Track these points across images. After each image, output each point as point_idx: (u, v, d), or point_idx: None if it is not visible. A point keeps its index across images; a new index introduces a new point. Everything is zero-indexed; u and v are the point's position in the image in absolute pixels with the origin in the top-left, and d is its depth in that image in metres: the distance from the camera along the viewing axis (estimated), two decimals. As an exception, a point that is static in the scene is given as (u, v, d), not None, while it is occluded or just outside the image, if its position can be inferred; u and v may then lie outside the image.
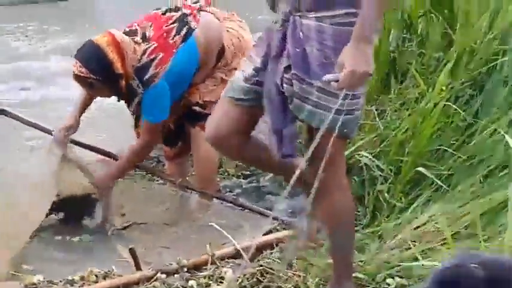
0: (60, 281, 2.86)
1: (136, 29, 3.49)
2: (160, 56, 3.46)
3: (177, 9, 3.58)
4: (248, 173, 4.06)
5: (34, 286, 2.83)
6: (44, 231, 3.42)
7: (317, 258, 3.07)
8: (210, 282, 2.85)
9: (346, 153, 3.48)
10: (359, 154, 3.57)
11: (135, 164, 3.67)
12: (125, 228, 3.49)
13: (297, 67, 2.51)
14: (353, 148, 3.56)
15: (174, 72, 3.47)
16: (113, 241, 3.40)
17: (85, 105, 3.65)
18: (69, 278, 2.88)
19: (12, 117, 3.83)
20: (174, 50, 3.48)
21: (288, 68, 2.54)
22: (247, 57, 2.79)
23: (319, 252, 3.12)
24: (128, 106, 3.59)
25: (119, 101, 3.60)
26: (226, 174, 4.05)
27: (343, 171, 2.72)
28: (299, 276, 2.96)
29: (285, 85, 2.55)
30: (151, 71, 3.45)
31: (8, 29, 8.58)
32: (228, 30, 3.61)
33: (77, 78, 3.41)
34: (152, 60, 3.46)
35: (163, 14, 3.56)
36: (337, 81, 2.39)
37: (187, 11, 3.56)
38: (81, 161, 3.58)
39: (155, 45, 3.47)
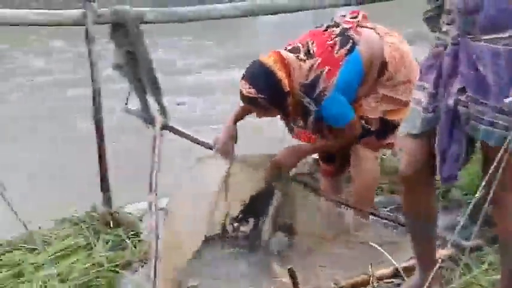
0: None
1: (299, 47, 3.43)
2: (327, 69, 3.38)
3: (337, 24, 3.50)
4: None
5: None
6: (206, 247, 3.40)
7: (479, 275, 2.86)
8: (370, 304, 2.71)
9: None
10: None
11: (321, 150, 3.61)
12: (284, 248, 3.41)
13: (472, 89, 2.52)
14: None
15: (341, 85, 3.38)
16: (269, 257, 3.33)
17: (242, 115, 3.63)
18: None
19: (175, 133, 3.89)
20: (340, 63, 3.39)
21: (462, 90, 2.53)
22: (416, 87, 2.75)
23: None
24: (302, 123, 3.51)
25: (284, 119, 3.55)
26: (379, 189, 3.89)
27: None
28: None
29: (460, 107, 2.55)
30: (320, 87, 3.38)
31: (163, 43, 8.86)
32: (389, 46, 3.47)
33: (245, 99, 3.37)
34: (319, 75, 3.38)
35: (325, 30, 3.49)
36: None
37: (348, 26, 3.48)
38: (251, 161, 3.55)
39: (320, 60, 3.39)
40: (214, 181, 3.41)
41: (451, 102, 2.54)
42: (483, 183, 2.43)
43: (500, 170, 2.36)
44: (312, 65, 3.38)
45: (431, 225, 2.76)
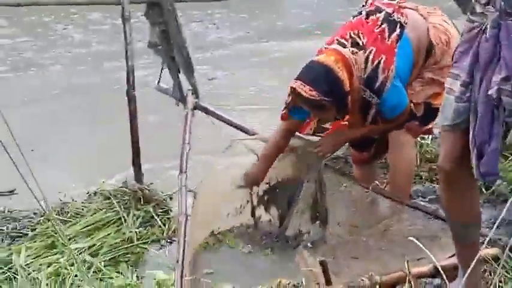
0: (248, 291, 2.66)
1: (344, 40, 3.14)
2: (384, 59, 3.09)
3: (378, 9, 3.19)
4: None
5: (223, 295, 2.66)
6: (230, 233, 3.23)
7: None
8: (406, 304, 2.50)
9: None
10: None
11: (363, 135, 3.32)
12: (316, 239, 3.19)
13: None
14: None
15: (399, 73, 3.12)
16: (300, 247, 3.10)
17: (277, 154, 3.29)
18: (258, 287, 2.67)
19: (207, 113, 3.69)
20: (395, 50, 3.11)
21: (506, 79, 2.21)
22: (450, 75, 2.44)
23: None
24: (361, 118, 3.22)
25: (339, 119, 3.26)
26: (418, 178, 3.64)
27: None
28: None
29: (504, 97, 2.22)
30: (380, 78, 3.10)
31: (196, 16, 8.65)
32: (434, 26, 3.19)
33: (306, 101, 3.05)
34: (377, 66, 3.10)
35: (366, 18, 3.19)
36: None
37: (390, 9, 3.18)
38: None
39: (374, 49, 3.10)
40: (244, 168, 3.19)
41: (492, 92, 2.23)
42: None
43: None
44: (368, 56, 3.10)
45: (474, 225, 2.49)
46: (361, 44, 3.12)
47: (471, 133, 2.36)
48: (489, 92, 2.25)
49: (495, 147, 2.30)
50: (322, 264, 2.67)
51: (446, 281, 2.60)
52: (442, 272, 2.62)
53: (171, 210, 3.90)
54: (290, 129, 3.29)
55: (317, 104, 3.05)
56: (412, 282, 2.56)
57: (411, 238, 2.74)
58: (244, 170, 3.22)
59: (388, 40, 3.12)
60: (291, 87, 3.10)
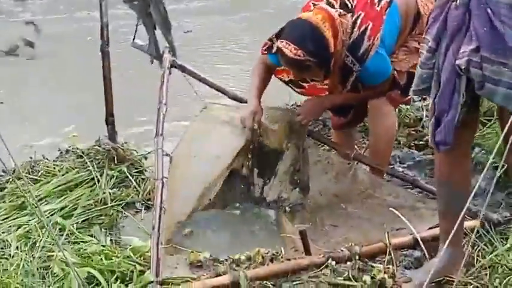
0: (226, 260, 2.59)
1: (332, 0, 3.02)
2: (371, 25, 2.98)
3: None
4: (422, 143, 3.54)
5: (200, 264, 2.57)
6: (213, 206, 3.10)
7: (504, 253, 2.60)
8: (385, 276, 2.45)
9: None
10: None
11: (345, 102, 3.24)
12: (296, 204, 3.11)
13: (488, 48, 2.13)
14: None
15: (385, 42, 3.01)
16: (279, 214, 3.02)
17: (264, 87, 3.22)
18: (236, 257, 2.58)
19: (183, 71, 3.54)
20: (383, 18, 2.99)
21: (475, 50, 2.15)
22: (423, 41, 2.37)
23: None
24: (340, 84, 3.12)
25: (318, 81, 3.15)
26: (397, 143, 3.56)
27: None
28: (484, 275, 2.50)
29: (472, 69, 2.16)
30: (365, 45, 2.98)
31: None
32: None
33: (291, 61, 2.94)
34: (363, 32, 2.98)
35: None
36: None
37: None
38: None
39: (363, 14, 2.98)
40: (221, 132, 3.08)
41: (461, 62, 2.17)
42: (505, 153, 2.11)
43: None
44: (355, 21, 2.98)
45: (463, 194, 2.43)
46: (350, 6, 3.01)
47: (431, 101, 2.31)
48: (457, 62, 2.19)
49: (452, 117, 2.26)
50: (301, 234, 2.62)
51: (426, 252, 2.58)
52: (421, 243, 2.61)
53: (146, 171, 3.79)
54: (267, 64, 3.21)
55: (302, 64, 2.94)
56: (392, 254, 2.52)
57: (391, 209, 2.72)
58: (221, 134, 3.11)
59: (377, 6, 3.01)
60: (276, 47, 2.99)
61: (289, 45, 2.91)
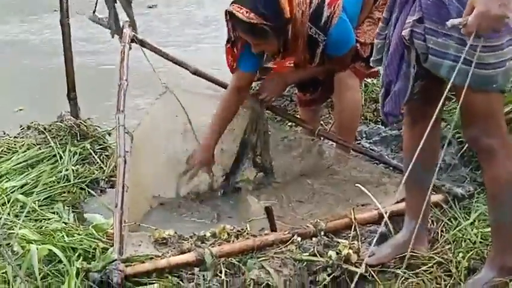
0: (191, 237, 2.54)
1: None
2: None
3: None
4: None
5: (164, 241, 2.51)
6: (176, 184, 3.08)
7: (468, 227, 2.60)
8: (350, 251, 2.43)
9: (508, 108, 2.92)
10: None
11: (307, 77, 3.17)
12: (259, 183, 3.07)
13: (431, 19, 2.09)
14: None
15: (346, 10, 2.95)
16: (246, 192, 3.00)
17: (225, 126, 3.11)
18: (201, 234, 2.53)
19: (144, 46, 3.44)
20: None
21: (419, 21, 2.11)
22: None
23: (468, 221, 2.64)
24: (309, 59, 3.04)
25: (279, 55, 3.05)
26: (363, 118, 3.54)
27: (503, 130, 2.20)
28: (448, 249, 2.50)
29: (416, 40, 2.13)
30: (326, 13, 2.92)
31: None
32: None
33: (245, 26, 2.84)
34: (323, 1, 2.92)
35: None
36: (465, 25, 1.96)
37: None
38: None
39: None
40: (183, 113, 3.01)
41: (405, 33, 2.13)
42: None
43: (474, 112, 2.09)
44: None
45: (431, 172, 2.40)
46: None
47: (383, 71, 2.28)
48: (402, 33, 2.16)
49: (399, 88, 2.23)
50: (267, 210, 2.58)
51: (391, 227, 2.56)
52: (386, 218, 2.58)
53: (110, 147, 3.71)
54: (240, 86, 3.08)
55: (256, 28, 2.85)
56: (357, 229, 2.50)
57: (357, 185, 2.68)
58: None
59: None
60: (227, 12, 2.89)
61: (241, 8, 2.83)
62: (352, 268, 2.36)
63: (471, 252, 2.45)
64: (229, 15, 2.90)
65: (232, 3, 2.90)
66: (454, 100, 3.48)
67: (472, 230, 2.52)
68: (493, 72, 2.09)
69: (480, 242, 2.50)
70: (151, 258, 2.40)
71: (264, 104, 3.12)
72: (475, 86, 2.06)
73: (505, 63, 2.10)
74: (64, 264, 2.39)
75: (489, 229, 2.41)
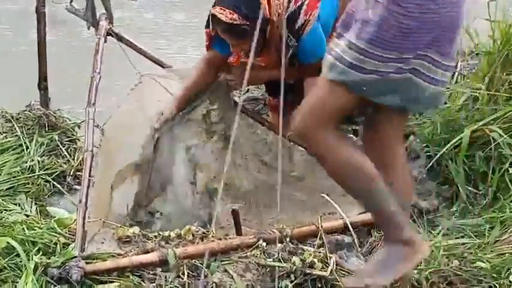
0: (156, 237, 2.49)
1: None
2: (307, 1, 2.90)
3: None
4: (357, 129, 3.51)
5: (128, 239, 2.45)
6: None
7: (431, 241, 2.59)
8: (315, 260, 2.41)
9: (475, 126, 2.95)
10: (488, 128, 2.98)
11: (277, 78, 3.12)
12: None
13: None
14: (484, 121, 2.98)
15: (321, 19, 2.93)
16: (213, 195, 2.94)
17: (194, 90, 3.06)
18: (166, 233, 2.49)
19: (120, 40, 3.37)
20: None
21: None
22: None
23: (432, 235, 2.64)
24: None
25: (257, 56, 2.99)
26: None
27: (326, 123, 2.13)
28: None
29: None
30: (301, 20, 2.90)
31: None
32: None
33: (225, 26, 2.82)
34: (300, 7, 2.90)
35: None
36: None
37: None
38: None
39: None
40: (156, 106, 2.94)
41: None
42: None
43: None
44: None
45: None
46: None
47: None
48: None
49: None
50: (234, 213, 2.55)
51: (355, 237, 2.55)
52: (351, 228, 2.58)
53: (78, 140, 3.63)
54: (211, 60, 3.09)
55: (238, 30, 2.83)
56: (323, 238, 2.48)
57: (323, 195, 2.67)
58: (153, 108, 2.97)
59: None
60: (211, 15, 2.88)
61: (224, 10, 2.82)
62: (317, 272, 2.33)
63: (431, 266, 2.44)
64: (212, 17, 2.88)
65: (214, 4, 2.87)
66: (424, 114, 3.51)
67: (435, 244, 2.51)
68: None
69: (442, 256, 2.49)
70: (114, 256, 2.35)
71: (230, 87, 3.10)
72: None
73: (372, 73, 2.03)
74: (22, 258, 2.32)
75: (452, 241, 2.42)
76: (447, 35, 2.03)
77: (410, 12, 1.96)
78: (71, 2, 3.46)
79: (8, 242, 2.35)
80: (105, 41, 3.19)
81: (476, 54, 3.79)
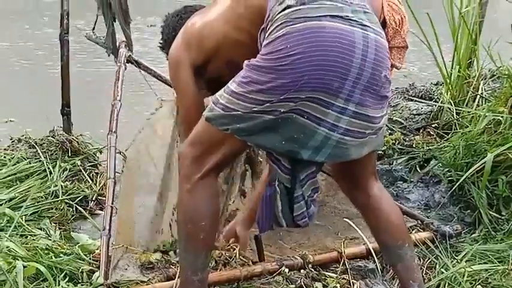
0: (178, 262, 2.50)
1: None
2: None
3: None
4: (380, 153, 3.52)
5: (151, 265, 2.48)
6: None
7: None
8: (338, 286, 2.41)
9: (498, 151, 2.94)
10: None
11: None
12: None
13: None
14: (507, 146, 2.97)
15: None
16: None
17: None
18: (189, 260, 2.51)
19: (139, 67, 3.42)
20: None
21: None
22: None
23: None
24: None
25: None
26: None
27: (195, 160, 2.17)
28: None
29: None
30: None
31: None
32: (389, 4, 3.02)
33: None
34: None
35: None
36: None
37: None
38: None
39: None
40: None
41: None
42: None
43: None
44: None
45: None
46: None
47: None
48: None
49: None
50: (256, 239, 2.56)
51: (378, 263, 2.55)
52: (373, 253, 2.57)
53: (100, 165, 3.68)
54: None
55: None
56: (346, 264, 2.48)
57: (346, 219, 2.68)
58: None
59: None
60: None
61: None
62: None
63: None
64: None
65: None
66: (446, 138, 3.51)
67: (459, 269, 2.50)
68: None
69: (466, 281, 2.49)
70: (138, 283, 2.37)
71: None
72: None
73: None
74: (49, 283, 2.35)
75: (476, 267, 2.41)
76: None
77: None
78: (93, 29, 3.53)
79: (36, 268, 2.39)
80: (125, 68, 3.24)
81: (498, 77, 3.80)
